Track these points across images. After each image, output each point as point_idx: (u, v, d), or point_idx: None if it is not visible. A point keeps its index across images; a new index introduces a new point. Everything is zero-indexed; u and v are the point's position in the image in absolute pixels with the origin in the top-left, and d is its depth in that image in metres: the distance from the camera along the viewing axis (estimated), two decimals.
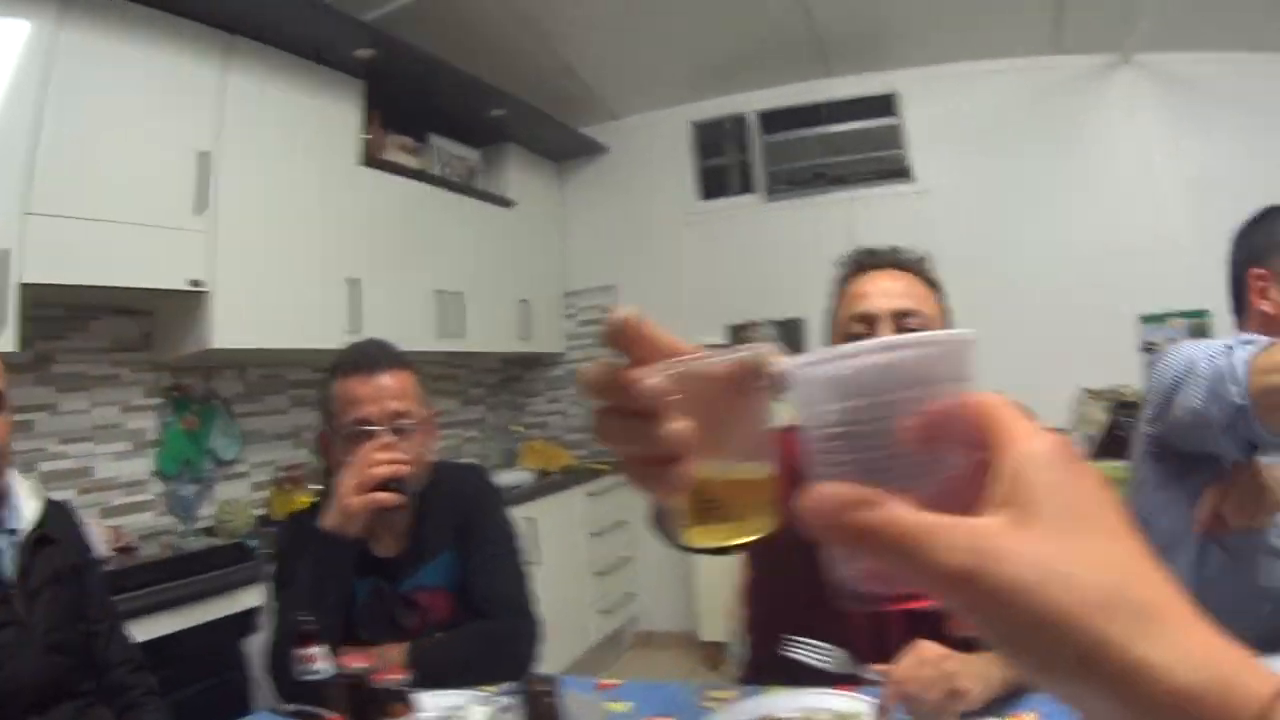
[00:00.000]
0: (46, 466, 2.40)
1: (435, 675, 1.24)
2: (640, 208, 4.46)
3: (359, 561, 1.39)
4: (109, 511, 2.54)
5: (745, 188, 4.32)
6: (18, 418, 2.03)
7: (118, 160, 2.33)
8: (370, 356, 1.46)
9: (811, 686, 1.09)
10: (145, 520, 2.63)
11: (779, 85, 4.15)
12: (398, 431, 1.41)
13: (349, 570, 1.37)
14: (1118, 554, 0.28)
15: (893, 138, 4.05)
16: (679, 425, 0.38)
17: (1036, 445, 0.30)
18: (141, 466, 2.67)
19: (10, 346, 2.05)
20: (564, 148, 4.45)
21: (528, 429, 4.48)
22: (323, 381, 1.49)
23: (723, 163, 4.36)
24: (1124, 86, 3.77)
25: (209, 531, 2.70)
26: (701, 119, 4.37)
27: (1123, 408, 3.25)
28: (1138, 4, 3.24)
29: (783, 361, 0.36)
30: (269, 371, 3.14)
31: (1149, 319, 3.62)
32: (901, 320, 1.23)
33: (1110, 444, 3.20)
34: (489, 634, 1.42)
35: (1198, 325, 3.44)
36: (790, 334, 3.98)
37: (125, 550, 2.32)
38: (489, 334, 3.87)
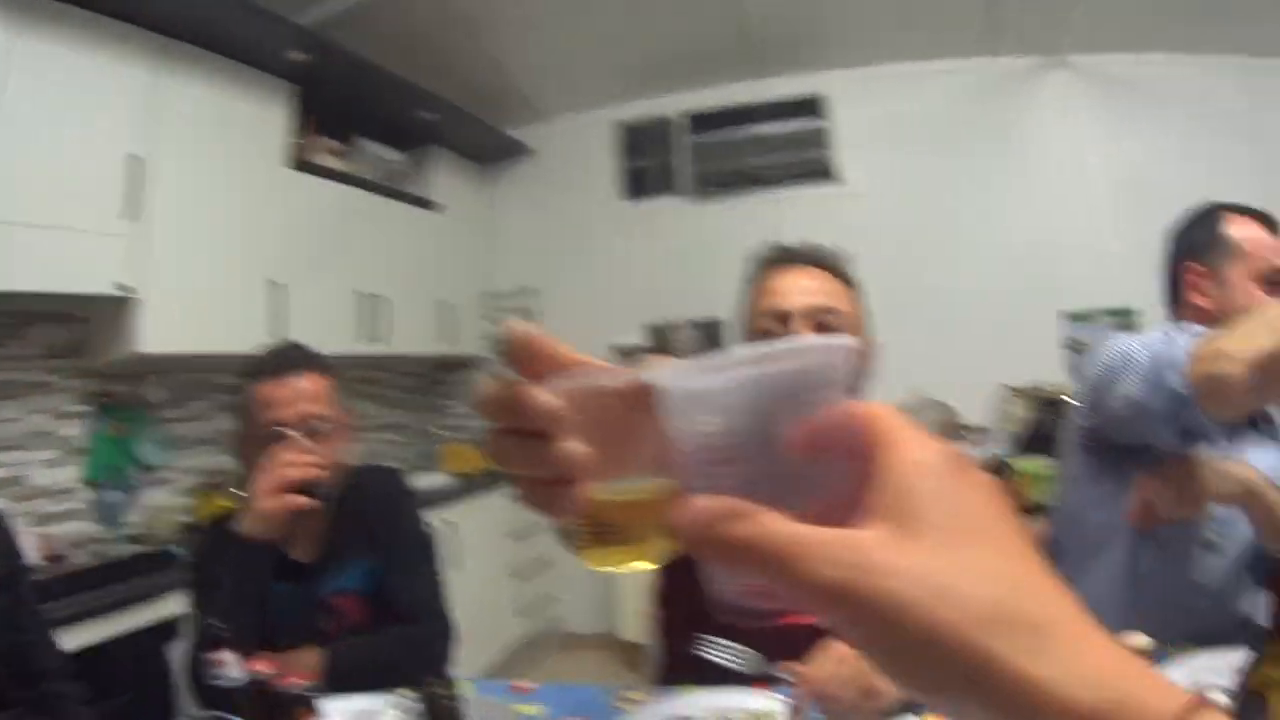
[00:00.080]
0: None
1: (349, 679, 1.23)
2: (567, 209, 4.46)
3: (276, 566, 1.39)
4: (39, 519, 2.48)
5: (672, 188, 4.31)
6: None
7: (44, 163, 2.28)
8: (285, 359, 1.46)
9: (725, 686, 1.09)
10: (74, 528, 2.58)
11: (708, 87, 4.16)
12: (312, 434, 1.40)
13: (266, 574, 1.37)
14: (1006, 567, 0.26)
15: (821, 139, 4.09)
16: (573, 446, 0.36)
17: (922, 454, 0.28)
18: (70, 474, 2.62)
19: None
20: (492, 150, 4.44)
21: (449, 432, 4.42)
22: (238, 385, 1.49)
23: (650, 164, 4.35)
24: (1057, 88, 3.82)
25: (136, 539, 2.65)
26: (629, 120, 4.37)
27: (1046, 405, 3.33)
28: (1070, 5, 3.30)
29: (655, 373, 0.33)
30: (196, 377, 3.10)
31: (1076, 317, 3.69)
32: (818, 318, 1.20)
33: (1034, 441, 3.28)
34: (403, 638, 1.43)
35: (1124, 324, 3.51)
36: (710, 334, 3.98)
37: (54, 559, 2.28)
38: (411, 337, 3.85)
